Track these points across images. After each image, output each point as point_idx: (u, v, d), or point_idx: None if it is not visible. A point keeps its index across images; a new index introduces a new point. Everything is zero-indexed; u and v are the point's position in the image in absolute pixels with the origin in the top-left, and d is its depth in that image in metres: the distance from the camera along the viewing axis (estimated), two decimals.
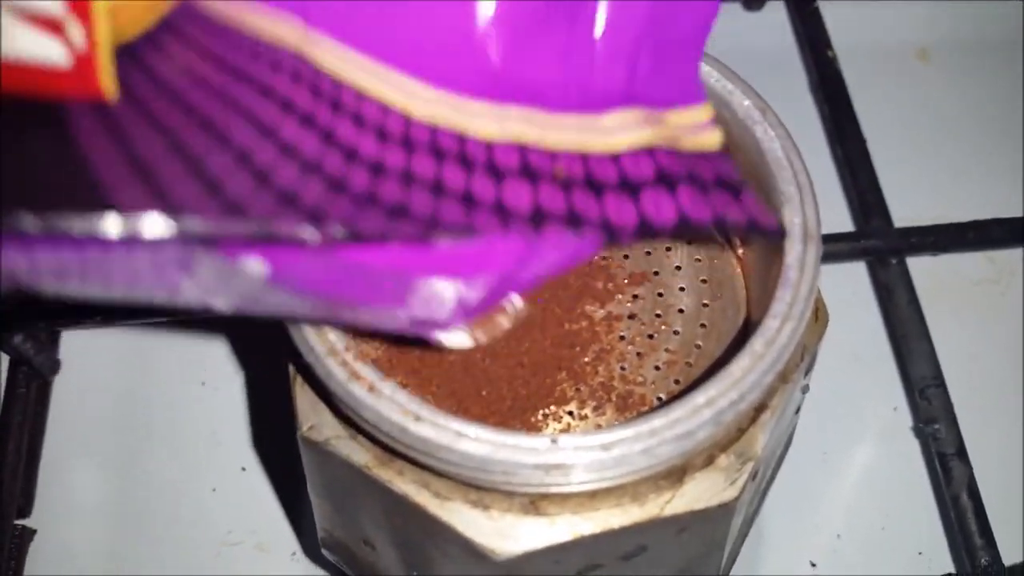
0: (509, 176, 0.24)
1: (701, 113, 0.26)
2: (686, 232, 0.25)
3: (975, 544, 0.36)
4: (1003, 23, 0.53)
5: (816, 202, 0.25)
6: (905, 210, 0.44)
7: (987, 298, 0.44)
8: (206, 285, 0.21)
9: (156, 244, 0.19)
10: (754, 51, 0.50)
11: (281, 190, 0.21)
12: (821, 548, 0.39)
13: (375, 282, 0.23)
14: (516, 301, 0.24)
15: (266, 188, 0.20)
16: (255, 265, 0.21)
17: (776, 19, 0.52)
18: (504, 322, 0.24)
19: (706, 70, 0.27)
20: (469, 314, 0.23)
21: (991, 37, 0.52)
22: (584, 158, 0.25)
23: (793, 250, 0.24)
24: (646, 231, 0.23)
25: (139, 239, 0.19)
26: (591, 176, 0.24)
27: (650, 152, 0.25)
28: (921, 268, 0.43)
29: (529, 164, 0.24)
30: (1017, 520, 0.38)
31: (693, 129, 0.26)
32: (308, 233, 0.20)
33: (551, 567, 0.25)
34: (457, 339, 0.24)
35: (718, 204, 0.24)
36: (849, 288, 0.44)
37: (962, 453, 0.37)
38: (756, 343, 0.23)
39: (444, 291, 0.23)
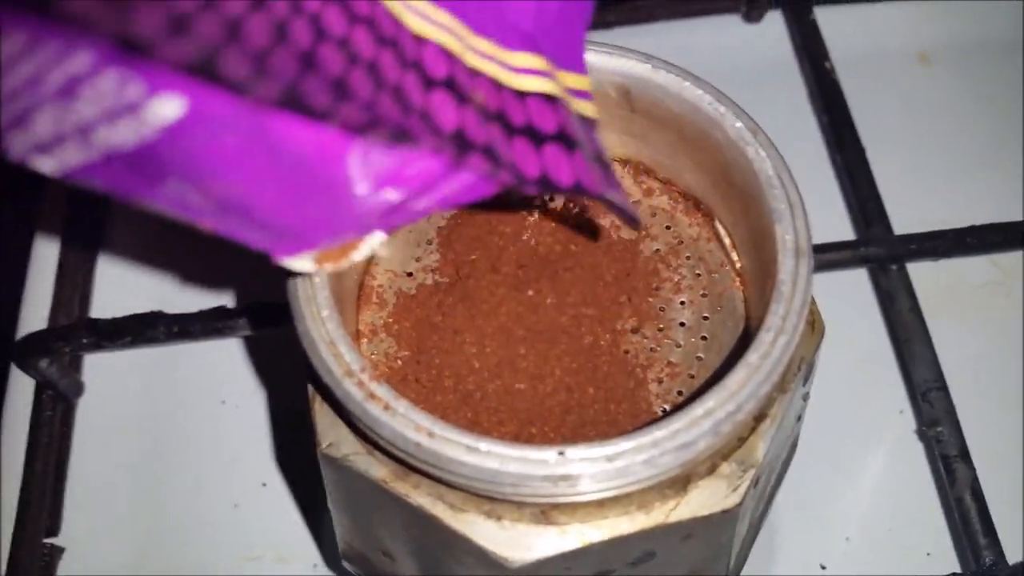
0: (436, 86, 0.22)
1: (585, 81, 0.26)
2: (577, 195, 0.24)
3: (979, 544, 0.37)
4: (1004, 25, 0.53)
5: (807, 219, 0.26)
6: (906, 216, 0.44)
7: (990, 301, 0.45)
8: (70, 122, 0.18)
9: (69, 36, 0.16)
10: (754, 62, 0.52)
11: (228, 18, 0.17)
12: (831, 550, 0.39)
13: (282, 168, 0.20)
14: (378, 237, 0.23)
15: (212, 10, 0.17)
16: (168, 105, 0.18)
17: (775, 30, 0.53)
18: (356, 256, 0.23)
19: (697, 93, 0.28)
20: (368, 226, 0.22)
21: (992, 39, 0.53)
22: (498, 90, 0.24)
23: (785, 265, 0.25)
24: (546, 186, 0.23)
25: (57, 27, 0.16)
26: (504, 113, 0.23)
27: (551, 104, 0.24)
28: (925, 272, 0.43)
29: (455, 79, 0.23)
30: (1020, 519, 0.39)
31: (579, 93, 0.25)
32: (251, 78, 0.17)
33: (563, 574, 0.26)
34: (302, 264, 0.23)
35: (604, 180, 0.24)
36: (852, 295, 0.45)
37: (965, 455, 0.38)
38: (752, 356, 0.24)
39: (361, 191, 0.21)
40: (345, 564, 0.33)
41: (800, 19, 0.51)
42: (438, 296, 0.30)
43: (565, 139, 0.24)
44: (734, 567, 0.30)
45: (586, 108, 0.26)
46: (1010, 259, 0.45)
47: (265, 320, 0.40)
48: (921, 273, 0.43)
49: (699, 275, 0.30)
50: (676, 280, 0.30)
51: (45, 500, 0.39)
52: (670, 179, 0.31)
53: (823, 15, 0.51)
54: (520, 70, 0.25)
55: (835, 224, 0.46)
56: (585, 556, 0.25)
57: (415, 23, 0.22)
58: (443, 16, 0.23)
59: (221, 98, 0.19)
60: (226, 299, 0.44)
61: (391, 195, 0.22)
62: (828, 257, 0.42)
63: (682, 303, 0.30)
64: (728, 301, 0.30)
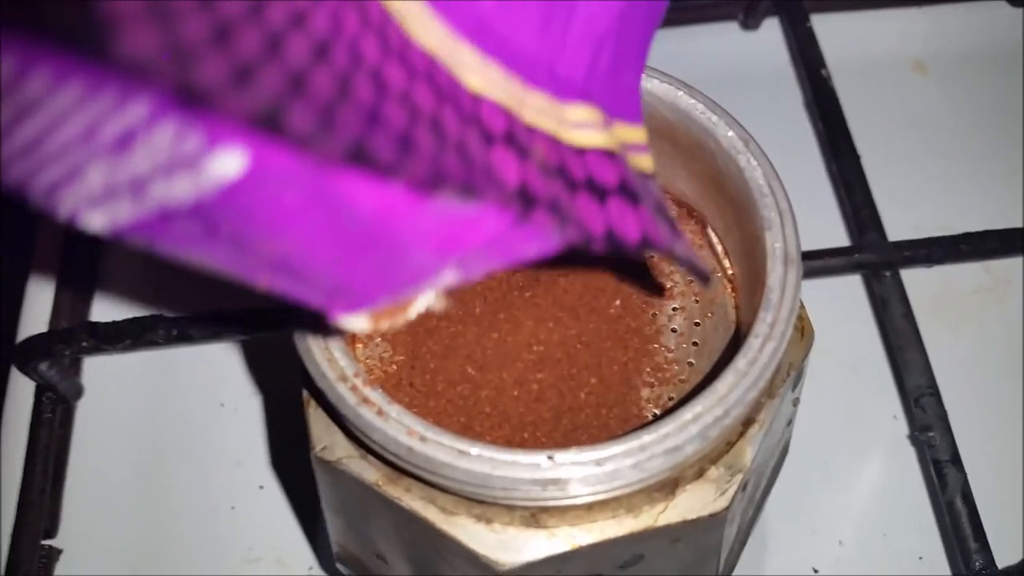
0: (496, 141, 0.21)
1: (640, 133, 0.25)
2: (645, 251, 0.23)
3: (970, 548, 0.37)
4: (1000, 34, 0.53)
5: (796, 227, 0.27)
6: (901, 223, 0.45)
7: (984, 307, 0.45)
8: (124, 176, 0.17)
9: (126, 85, 0.15)
10: (752, 69, 0.52)
11: (292, 69, 0.17)
12: (823, 555, 0.39)
13: (342, 227, 0.20)
14: (436, 295, 0.22)
15: (277, 61, 0.16)
16: (229, 160, 0.17)
17: (772, 38, 0.53)
18: (412, 313, 0.22)
19: (691, 102, 0.28)
20: (427, 284, 0.21)
21: (988, 48, 0.53)
22: (556, 146, 0.23)
23: (774, 272, 0.26)
24: (613, 243, 0.22)
25: (110, 69, 0.15)
26: (564, 168, 0.22)
27: (610, 158, 0.24)
28: (919, 279, 0.44)
29: (514, 135, 0.22)
30: (1011, 524, 0.39)
31: (634, 148, 0.25)
32: (317, 131, 0.17)
33: None
34: (357, 322, 0.22)
35: (670, 234, 0.23)
36: (846, 301, 0.45)
37: (956, 460, 0.38)
38: (740, 362, 0.24)
39: (422, 251, 0.20)
40: (339, 567, 0.33)
41: (797, 27, 0.51)
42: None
43: (628, 193, 0.23)
44: (723, 570, 0.30)
45: (643, 162, 0.25)
46: (1004, 266, 0.46)
47: (263, 324, 0.40)
48: (915, 279, 0.43)
49: (691, 282, 0.31)
50: (668, 287, 0.30)
51: (44, 502, 0.39)
52: (664, 187, 0.32)
53: (820, 23, 0.51)
54: (576, 124, 0.24)
55: (830, 230, 0.46)
56: (574, 559, 0.26)
57: (471, 79, 0.22)
58: (494, 71, 0.23)
59: (283, 153, 0.18)
60: (226, 303, 0.45)
61: (453, 255, 0.21)
62: (822, 263, 0.42)
63: (674, 309, 0.30)
64: (719, 307, 0.30)
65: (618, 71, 0.25)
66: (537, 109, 0.23)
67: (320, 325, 0.25)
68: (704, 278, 0.25)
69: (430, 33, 0.21)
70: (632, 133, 0.25)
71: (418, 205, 0.20)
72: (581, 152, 0.23)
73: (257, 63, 0.16)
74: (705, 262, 0.31)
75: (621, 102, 0.25)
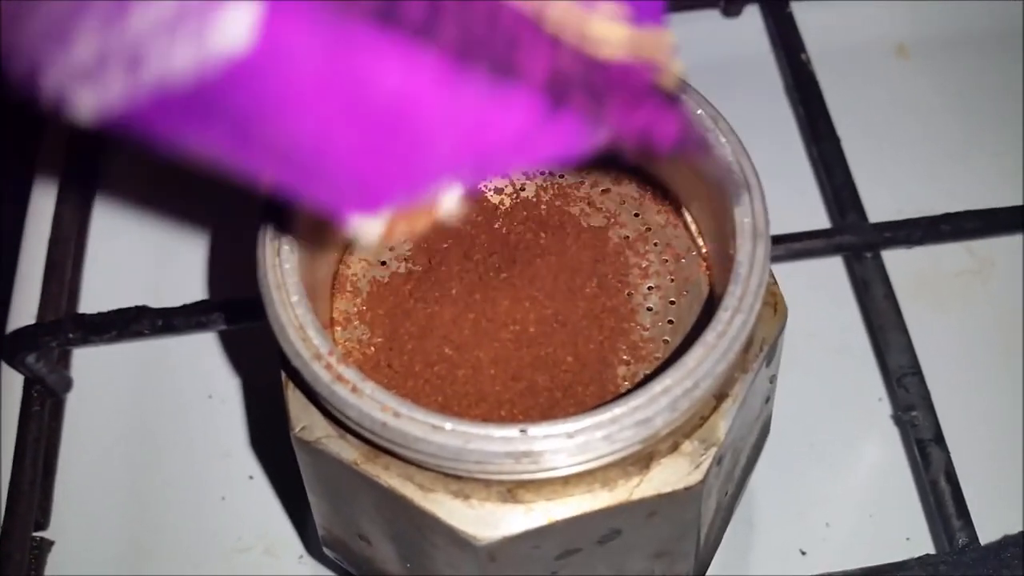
0: (525, 27, 0.19)
1: (669, 39, 0.23)
2: (677, 156, 0.22)
3: (953, 526, 0.37)
4: (982, 18, 0.54)
5: (765, 202, 0.27)
6: (881, 205, 0.45)
7: (965, 288, 0.46)
8: (119, 42, 0.15)
9: None
10: (733, 55, 0.52)
11: None
12: (810, 536, 0.40)
13: (362, 104, 0.18)
14: (455, 197, 0.20)
15: None
16: (239, 17, 0.15)
17: (753, 24, 0.53)
18: (433, 217, 0.21)
19: None
20: (451, 180, 0.20)
21: (970, 32, 0.53)
22: (585, 44, 0.21)
23: (743, 247, 0.26)
24: (648, 142, 0.21)
25: None
26: (594, 66, 0.21)
27: (641, 62, 0.22)
28: (902, 261, 0.44)
29: (542, 25, 0.20)
30: (994, 501, 0.39)
31: (663, 55, 0.23)
32: None
33: (531, 551, 0.26)
34: (371, 228, 0.20)
35: (704, 137, 0.22)
36: (827, 283, 0.45)
37: (939, 439, 0.39)
38: (708, 335, 0.25)
39: (448, 136, 0.18)
40: (326, 551, 0.34)
41: (777, 13, 0.51)
42: (410, 284, 0.30)
43: (660, 96, 0.22)
44: (704, 549, 0.30)
45: (673, 69, 0.23)
46: (984, 246, 0.46)
47: (246, 313, 0.41)
48: (896, 261, 0.43)
49: (666, 261, 0.31)
50: (644, 266, 0.31)
51: (34, 494, 0.40)
52: (639, 166, 0.32)
53: (800, 9, 0.52)
54: (605, 17, 0.22)
55: (811, 213, 0.47)
56: (551, 534, 0.26)
57: None
58: None
59: (302, 11, 0.16)
60: (211, 293, 0.45)
61: (478, 149, 0.20)
62: (803, 245, 0.42)
63: (649, 288, 0.30)
64: (694, 286, 0.30)
65: None
66: (564, 8, 0.21)
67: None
68: (739, 191, 0.24)
69: None
70: (661, 40, 0.23)
71: (445, 85, 0.18)
72: (610, 53, 0.21)
73: None
74: (681, 240, 0.31)
75: (648, 9, 0.23)
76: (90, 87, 0.16)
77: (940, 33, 0.53)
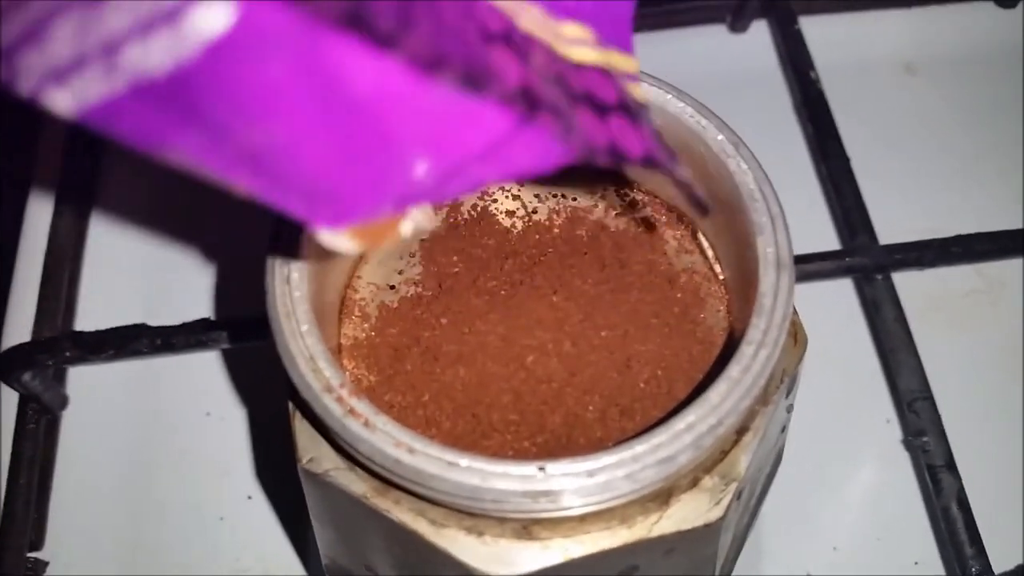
0: (496, 40, 0.20)
1: (633, 64, 0.24)
2: (648, 168, 0.22)
3: (966, 553, 0.37)
4: (990, 36, 0.53)
5: (788, 232, 0.26)
6: (892, 226, 0.44)
7: (976, 311, 0.45)
8: (95, 37, 0.15)
9: None
10: (740, 72, 0.52)
11: None
12: (818, 560, 0.39)
13: (332, 113, 0.18)
14: (425, 212, 0.21)
15: None
16: (214, 13, 0.15)
17: (761, 40, 0.53)
18: (403, 231, 0.21)
19: (680, 106, 0.28)
20: (420, 194, 0.19)
21: (978, 50, 0.53)
22: (554, 57, 0.21)
23: (767, 278, 0.25)
24: (616, 156, 0.21)
25: None
26: (563, 79, 0.21)
27: (607, 77, 0.22)
28: (911, 282, 0.44)
29: (512, 38, 0.20)
30: (1007, 528, 0.39)
31: (628, 77, 0.24)
32: None
33: None
34: (340, 242, 0.20)
35: (668, 154, 0.22)
36: (837, 305, 0.45)
37: (951, 465, 0.38)
38: (733, 369, 0.24)
39: (418, 148, 0.18)
40: None
41: (785, 29, 0.51)
42: (420, 309, 0.30)
43: (628, 111, 0.22)
44: None
45: (637, 91, 0.24)
46: (995, 268, 0.45)
47: (248, 333, 0.40)
48: (906, 283, 0.43)
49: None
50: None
51: (29, 514, 0.39)
52: (653, 191, 0.31)
53: (808, 25, 0.51)
54: (572, 40, 0.22)
55: (820, 234, 0.46)
56: (568, 571, 0.25)
57: None
58: None
59: (275, 10, 0.16)
60: (210, 311, 0.44)
61: (449, 160, 0.20)
62: (813, 267, 0.42)
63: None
64: (712, 313, 0.30)
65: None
66: (533, 20, 0.22)
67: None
68: (703, 208, 0.24)
69: None
70: (625, 62, 0.24)
71: (415, 91, 0.18)
72: (579, 67, 0.22)
73: None
74: (697, 266, 0.30)
75: (613, 30, 0.24)
76: (65, 86, 0.16)
77: (950, 51, 0.53)
